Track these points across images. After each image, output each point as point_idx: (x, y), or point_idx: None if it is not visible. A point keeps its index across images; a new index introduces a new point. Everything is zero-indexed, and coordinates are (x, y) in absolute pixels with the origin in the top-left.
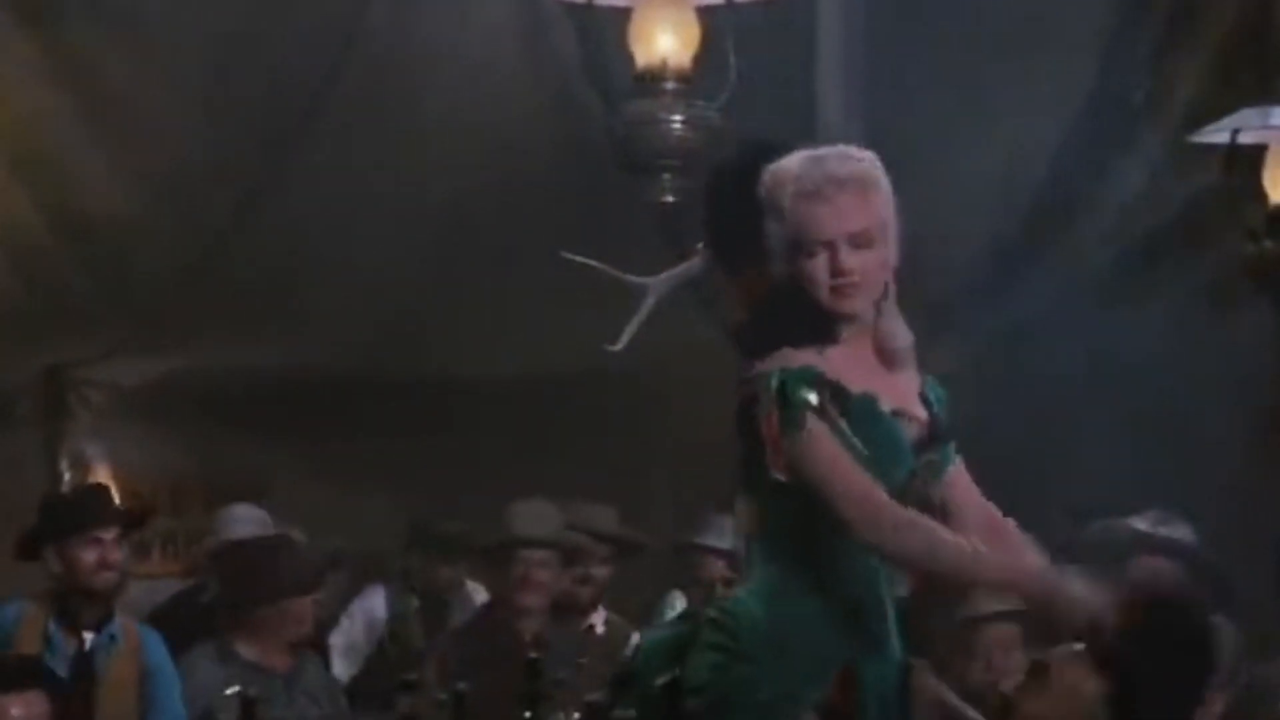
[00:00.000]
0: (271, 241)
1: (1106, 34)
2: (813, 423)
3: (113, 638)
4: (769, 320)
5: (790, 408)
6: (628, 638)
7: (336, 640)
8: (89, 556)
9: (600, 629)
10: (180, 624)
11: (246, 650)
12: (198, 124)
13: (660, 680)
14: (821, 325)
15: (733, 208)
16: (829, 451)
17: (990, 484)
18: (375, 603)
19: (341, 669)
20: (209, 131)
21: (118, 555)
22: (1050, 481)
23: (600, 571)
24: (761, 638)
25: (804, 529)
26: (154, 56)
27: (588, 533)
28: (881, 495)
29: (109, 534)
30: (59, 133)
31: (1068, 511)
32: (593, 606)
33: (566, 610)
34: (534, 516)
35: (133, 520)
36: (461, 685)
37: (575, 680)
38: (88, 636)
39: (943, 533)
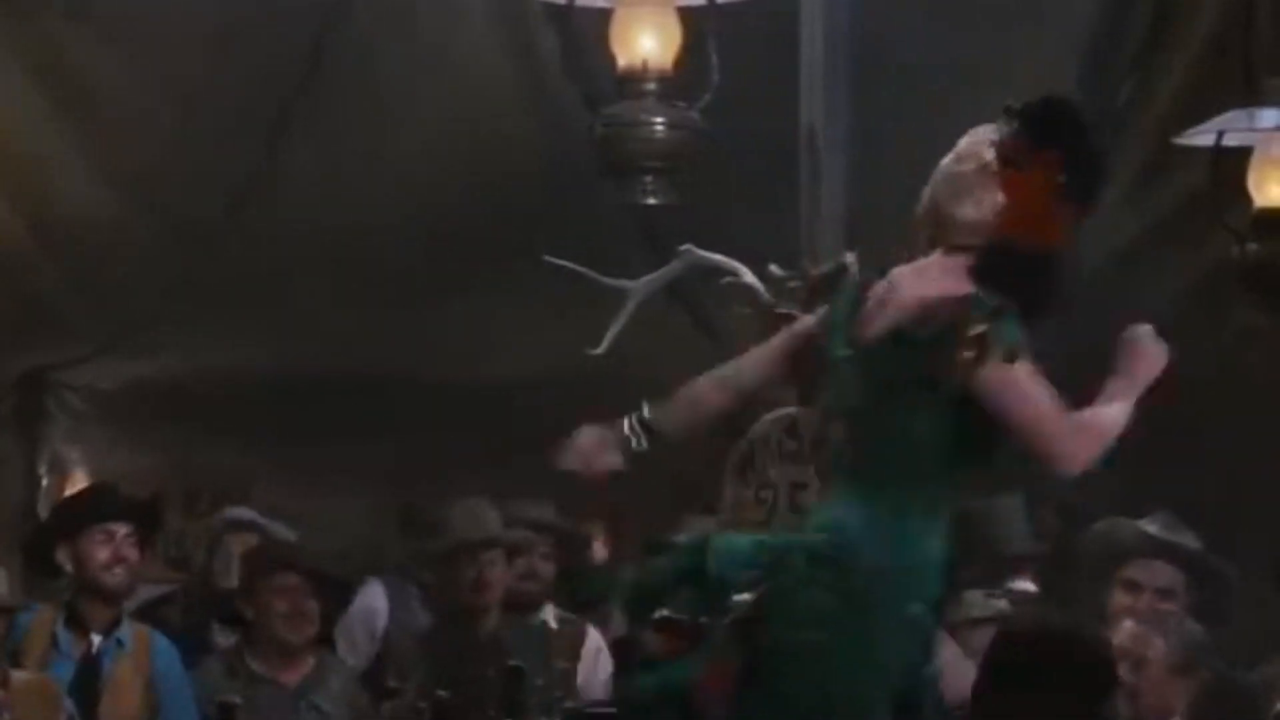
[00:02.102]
0: (251, 243)
1: (1089, 34)
2: (1024, 359)
3: (120, 642)
4: (1027, 276)
5: (1005, 338)
6: (584, 633)
7: (338, 641)
8: (101, 552)
9: (554, 624)
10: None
11: (255, 662)
12: (177, 124)
13: (742, 596)
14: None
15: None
16: (1037, 391)
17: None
18: (374, 598)
19: None
20: (188, 131)
21: (130, 552)
22: (1036, 482)
23: (544, 566)
24: (887, 587)
25: (936, 465)
26: (134, 55)
27: (526, 526)
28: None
29: (121, 529)
30: (36, 132)
31: (1060, 512)
32: (539, 602)
33: (514, 608)
34: (475, 517)
35: (146, 516)
36: (441, 693)
37: (554, 681)
38: (95, 640)
39: (1101, 416)
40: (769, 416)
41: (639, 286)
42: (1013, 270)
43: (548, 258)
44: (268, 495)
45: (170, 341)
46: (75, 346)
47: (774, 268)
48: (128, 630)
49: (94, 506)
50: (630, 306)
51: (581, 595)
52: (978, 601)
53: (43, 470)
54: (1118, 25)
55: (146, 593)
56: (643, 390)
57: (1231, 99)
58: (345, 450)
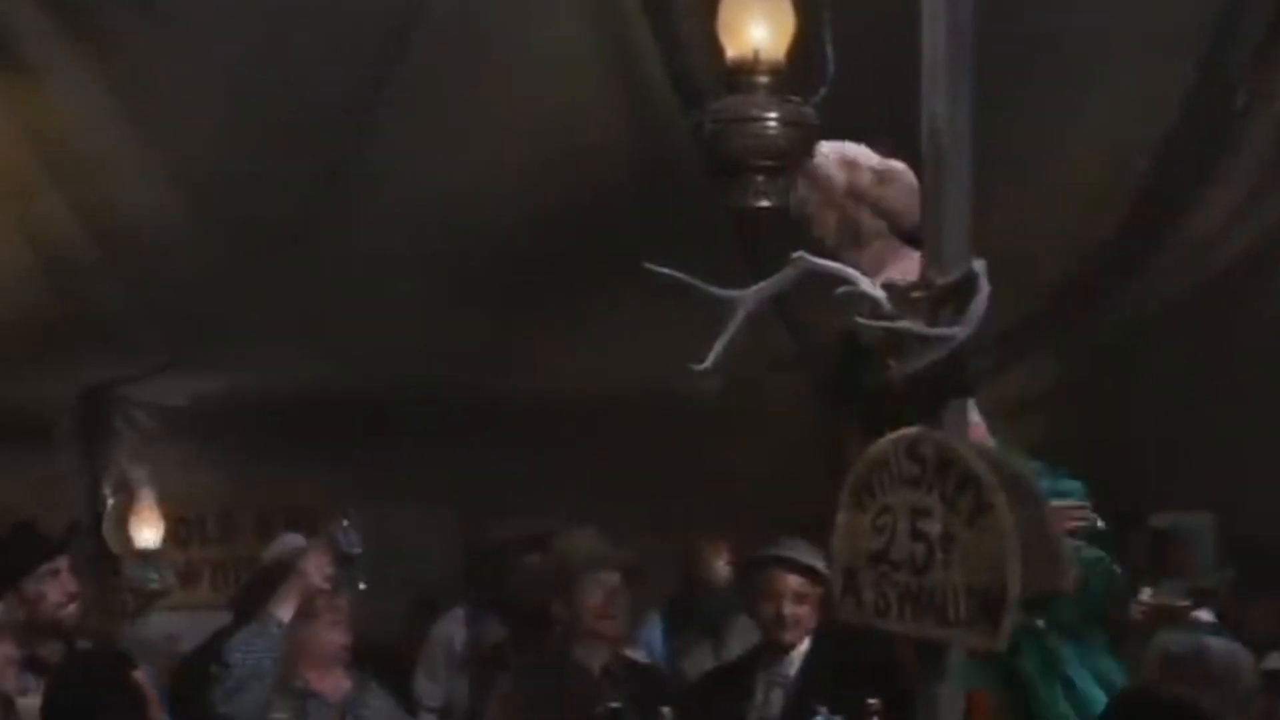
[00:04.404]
0: (324, 251)
1: (1206, 33)
2: None
3: None
4: None
5: None
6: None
7: (419, 669)
8: (53, 592)
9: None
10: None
11: (301, 679)
12: (247, 127)
13: None
14: None
15: None
16: None
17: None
18: (453, 625)
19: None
20: (259, 135)
21: (75, 584)
22: (1150, 505)
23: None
24: None
25: None
26: (202, 56)
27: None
28: None
29: (63, 564)
30: (99, 131)
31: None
32: None
33: None
34: (595, 542)
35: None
36: None
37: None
38: None
39: None
40: (889, 436)
41: (749, 296)
42: None
43: (648, 265)
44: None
45: (239, 355)
46: (140, 361)
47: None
48: None
49: (34, 548)
50: (739, 318)
51: None
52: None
53: (108, 490)
54: (1234, 23)
55: (218, 620)
56: (734, 407)
57: None
58: (424, 467)
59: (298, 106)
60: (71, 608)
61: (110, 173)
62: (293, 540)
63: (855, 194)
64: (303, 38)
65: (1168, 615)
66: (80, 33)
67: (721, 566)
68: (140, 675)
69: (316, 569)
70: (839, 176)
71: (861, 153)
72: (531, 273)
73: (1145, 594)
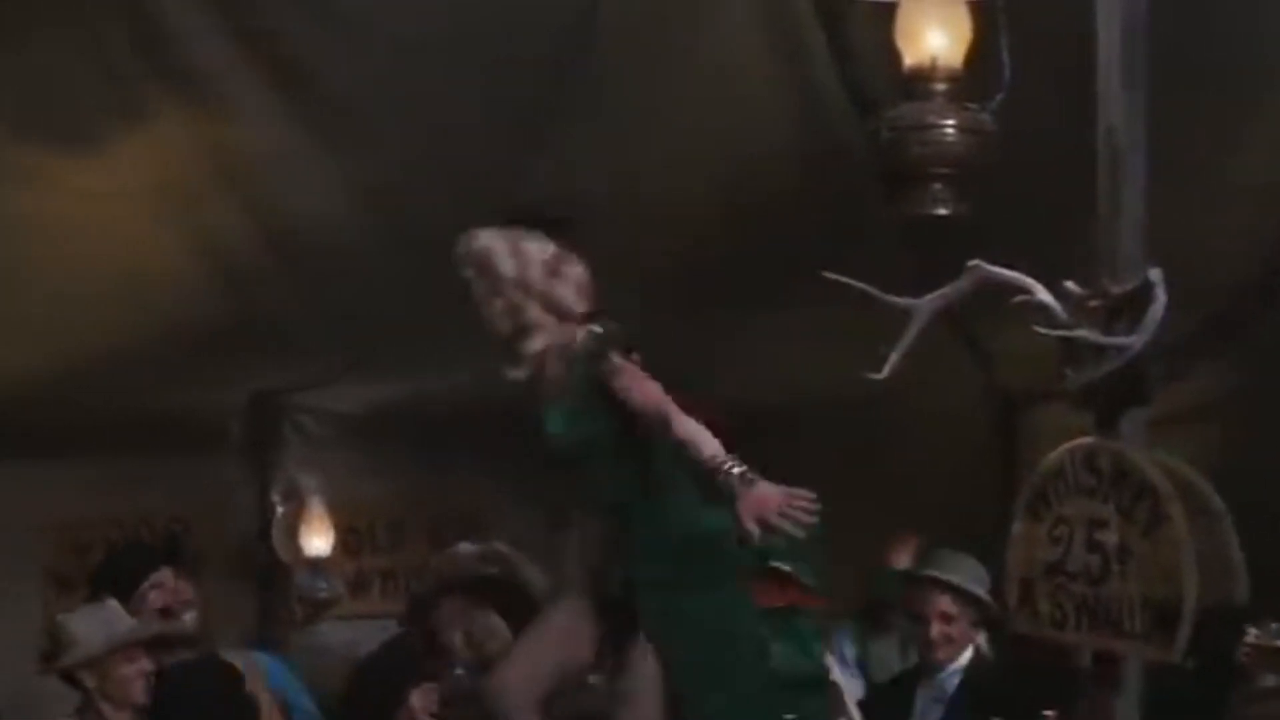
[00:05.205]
0: None
1: None
2: None
3: None
4: None
5: None
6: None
7: None
8: (158, 603)
9: None
10: (399, 668)
11: None
12: (422, 132)
13: None
14: None
15: None
16: None
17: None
18: None
19: None
20: (434, 140)
21: (187, 592)
22: None
23: None
24: None
25: None
26: (378, 60)
27: None
28: None
29: (166, 576)
30: (274, 142)
31: None
32: None
33: None
34: None
35: (175, 553)
36: None
37: None
38: None
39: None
40: (1065, 446)
41: (923, 305)
42: None
43: (827, 273)
44: (514, 525)
45: (412, 362)
46: (311, 368)
47: (1071, 285)
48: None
49: (131, 565)
50: (915, 327)
51: None
52: None
53: (276, 498)
54: None
55: (388, 629)
56: (910, 420)
57: None
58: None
59: (471, 108)
60: (188, 617)
61: (283, 177)
62: (467, 549)
63: (523, 286)
64: (477, 39)
65: (1275, 657)
66: (248, 34)
67: None
68: (260, 694)
69: (423, 708)
70: (507, 266)
71: (534, 245)
72: (699, 279)
73: (1251, 635)
